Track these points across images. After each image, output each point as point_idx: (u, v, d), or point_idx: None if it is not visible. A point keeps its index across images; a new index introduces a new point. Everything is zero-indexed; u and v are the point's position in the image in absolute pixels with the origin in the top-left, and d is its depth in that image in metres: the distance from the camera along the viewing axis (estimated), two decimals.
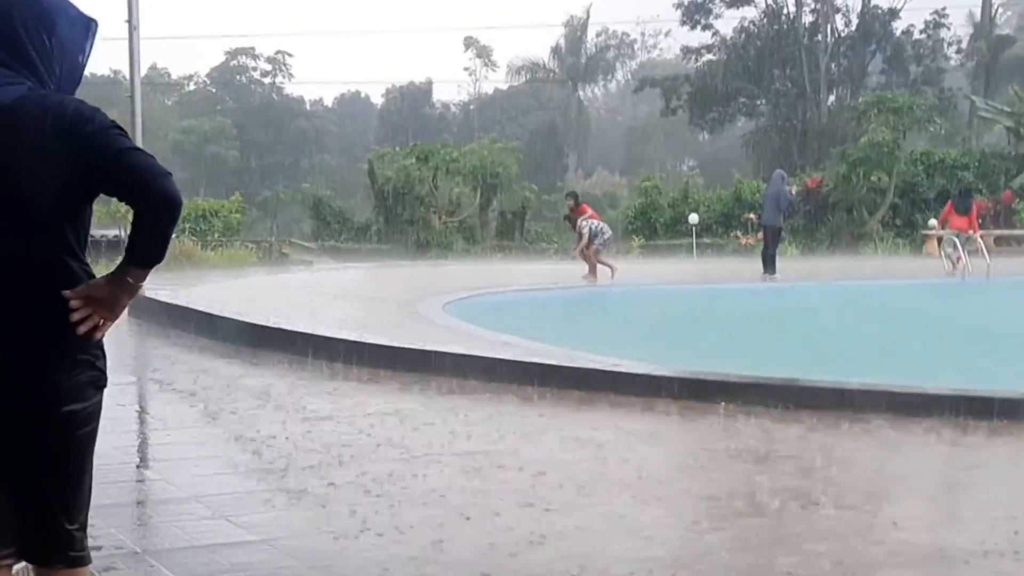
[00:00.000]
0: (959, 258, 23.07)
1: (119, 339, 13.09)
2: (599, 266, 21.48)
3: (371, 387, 9.83)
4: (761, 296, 19.85)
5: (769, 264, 22.23)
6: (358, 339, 11.13)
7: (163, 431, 8.29)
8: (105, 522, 5.46)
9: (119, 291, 2.91)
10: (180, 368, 11.03)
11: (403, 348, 10.73)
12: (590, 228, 21.43)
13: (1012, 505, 6.21)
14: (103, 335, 2.98)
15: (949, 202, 25.47)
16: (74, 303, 2.84)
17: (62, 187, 2.80)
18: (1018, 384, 8.89)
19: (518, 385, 9.46)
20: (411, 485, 6.36)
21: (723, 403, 8.65)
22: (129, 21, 14.52)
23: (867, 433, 7.96)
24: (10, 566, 3.04)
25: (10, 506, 2.92)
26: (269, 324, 12.05)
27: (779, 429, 8.06)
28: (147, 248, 2.91)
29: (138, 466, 7.19)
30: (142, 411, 9.11)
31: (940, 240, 24.38)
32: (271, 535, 5.37)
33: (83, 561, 3.03)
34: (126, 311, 11.53)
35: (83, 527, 3.03)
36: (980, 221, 25.44)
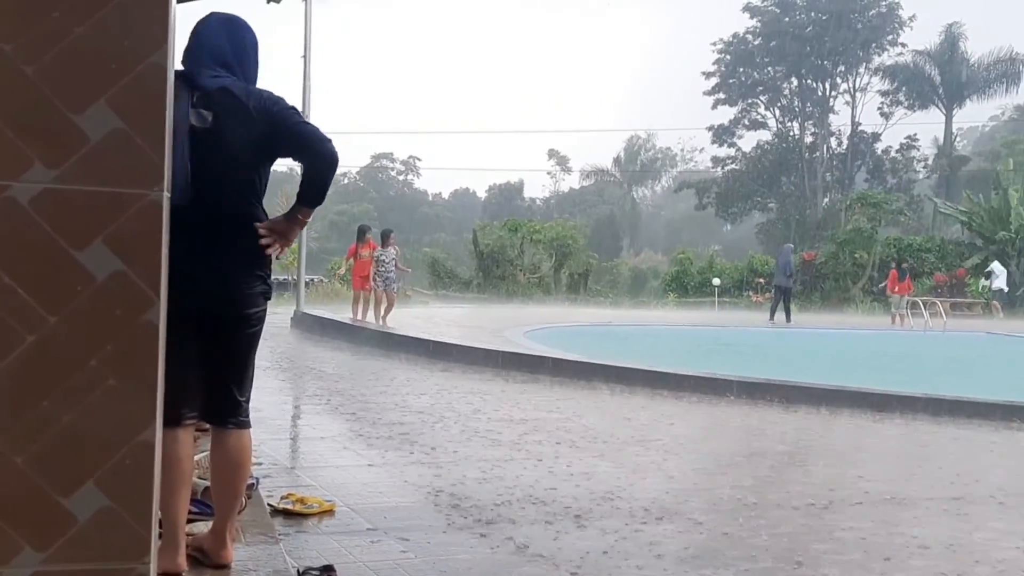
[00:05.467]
0: (903, 316, 22.58)
1: (284, 337, 13.41)
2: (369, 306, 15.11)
3: (466, 375, 9.90)
4: (764, 335, 19.47)
5: (773, 315, 22.17)
6: (459, 342, 11.22)
7: (309, 396, 8.47)
8: (268, 448, 5.67)
9: (293, 224, 3.04)
10: (324, 358, 11.21)
11: (492, 350, 10.79)
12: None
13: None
14: (280, 256, 3.09)
15: (893, 272, 24.97)
16: (262, 231, 2.97)
17: (256, 149, 2.95)
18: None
19: (583, 380, 9.53)
20: (485, 434, 6.52)
21: (731, 396, 8.68)
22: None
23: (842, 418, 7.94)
24: (194, 426, 3.09)
25: (199, 380, 3.01)
26: (391, 331, 12.19)
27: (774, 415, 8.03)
28: (311, 193, 3.02)
29: (292, 416, 7.41)
30: (296, 386, 9.30)
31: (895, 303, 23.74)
32: (385, 462, 5.53)
33: (246, 425, 3.11)
34: (289, 322, 11.62)
35: (247, 401, 3.12)
36: (912, 289, 24.60)
